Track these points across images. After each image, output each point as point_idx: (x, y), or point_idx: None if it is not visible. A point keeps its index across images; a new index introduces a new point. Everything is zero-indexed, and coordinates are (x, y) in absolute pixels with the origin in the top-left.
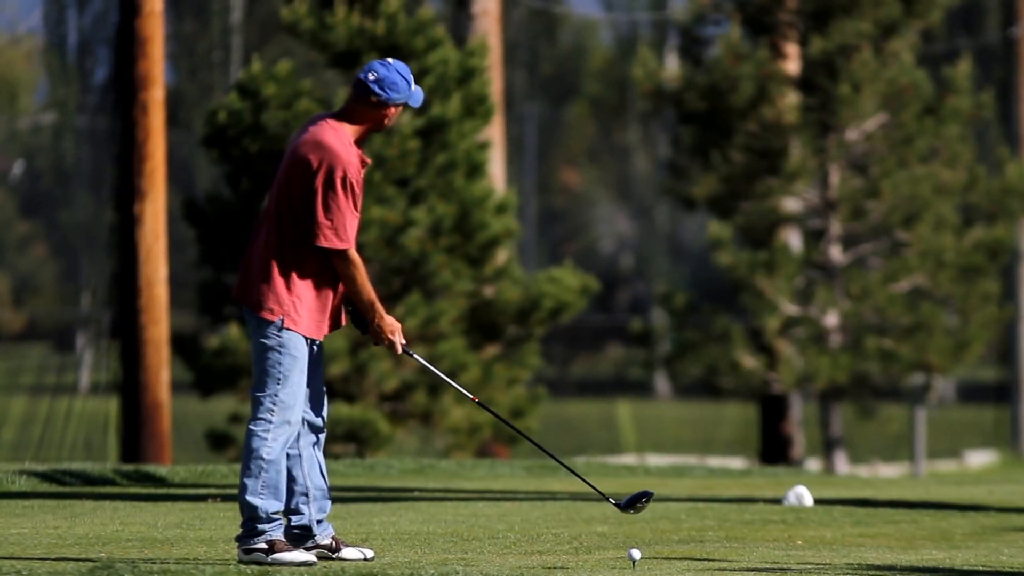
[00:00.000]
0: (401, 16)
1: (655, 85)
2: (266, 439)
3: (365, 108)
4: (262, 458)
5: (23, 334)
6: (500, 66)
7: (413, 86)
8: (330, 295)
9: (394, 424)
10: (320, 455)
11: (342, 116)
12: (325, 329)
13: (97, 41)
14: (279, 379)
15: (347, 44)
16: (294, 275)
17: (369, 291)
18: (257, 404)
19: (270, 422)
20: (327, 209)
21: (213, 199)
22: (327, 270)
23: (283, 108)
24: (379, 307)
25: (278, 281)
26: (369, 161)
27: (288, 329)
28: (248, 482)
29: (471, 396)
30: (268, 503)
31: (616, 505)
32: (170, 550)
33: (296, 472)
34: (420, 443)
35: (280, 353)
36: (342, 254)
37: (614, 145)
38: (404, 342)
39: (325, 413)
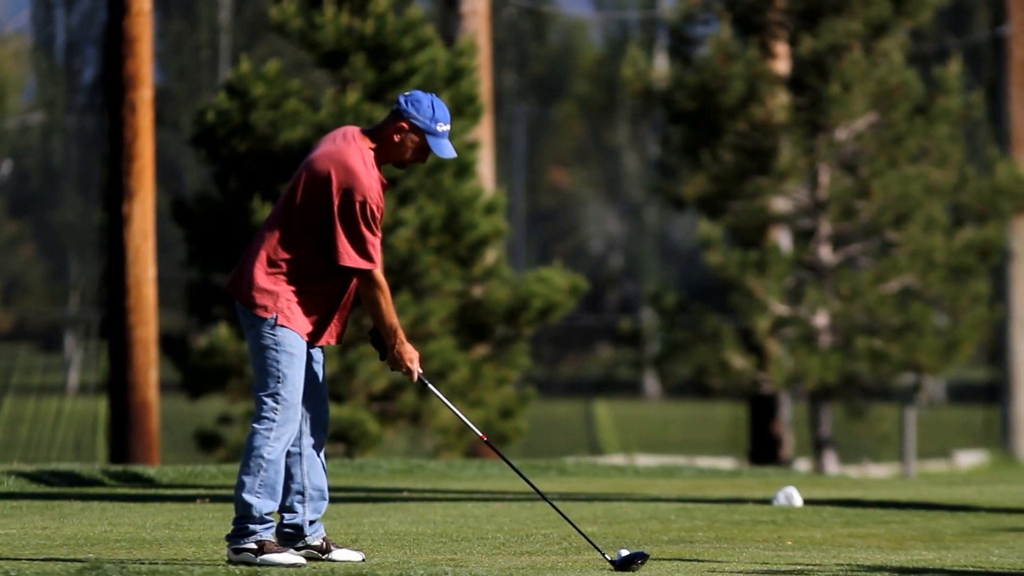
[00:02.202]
0: (390, 16)
1: (645, 85)
2: (268, 438)
3: (388, 123)
4: (263, 457)
5: (11, 334)
6: (489, 66)
7: (441, 127)
8: (327, 303)
9: (383, 424)
10: (322, 456)
11: (369, 132)
12: (325, 336)
13: (85, 41)
14: (279, 377)
15: (335, 44)
16: (290, 275)
17: (392, 316)
18: (260, 404)
19: (274, 421)
20: (347, 232)
21: (202, 199)
22: (328, 279)
23: (272, 108)
24: (400, 334)
25: (273, 279)
26: (388, 184)
27: (282, 326)
28: (246, 479)
29: (481, 435)
30: (264, 503)
31: (611, 562)
32: (159, 551)
33: (295, 470)
34: (409, 443)
35: (276, 351)
36: (366, 275)
37: (603, 145)
38: (421, 371)
39: (327, 415)
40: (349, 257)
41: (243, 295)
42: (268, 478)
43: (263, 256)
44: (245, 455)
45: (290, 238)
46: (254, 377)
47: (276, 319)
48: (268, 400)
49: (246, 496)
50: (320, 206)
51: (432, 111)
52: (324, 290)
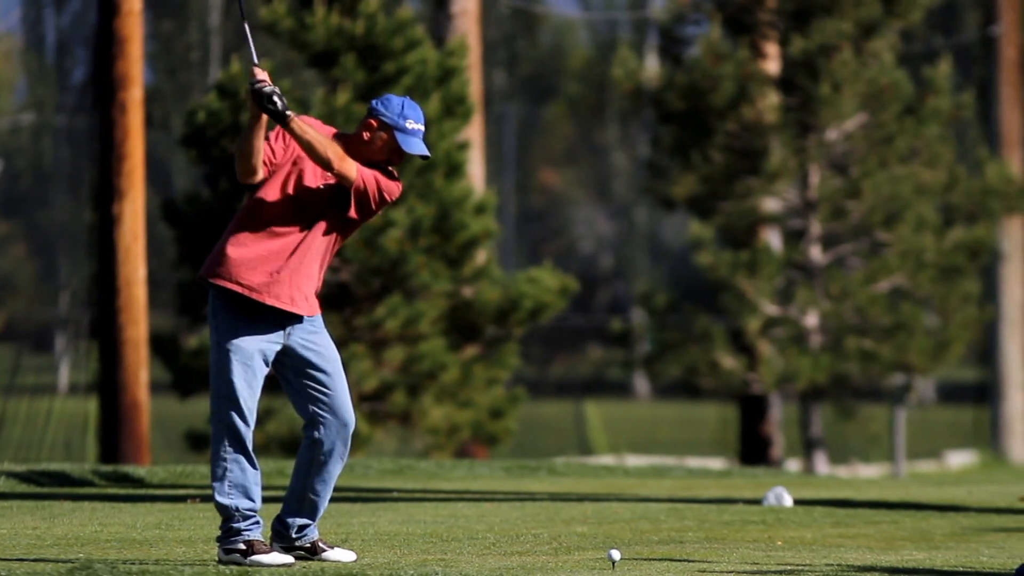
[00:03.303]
0: (380, 16)
1: (635, 85)
2: (222, 439)
3: (360, 123)
4: (223, 458)
5: (1, 334)
6: (479, 66)
7: (412, 125)
8: (278, 253)
9: (373, 425)
10: (336, 466)
11: (341, 133)
12: (285, 299)
13: (75, 41)
14: (217, 372)
15: (326, 44)
16: (238, 233)
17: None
18: (211, 404)
19: (220, 420)
20: None
21: (192, 199)
22: (278, 237)
23: None
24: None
25: (222, 240)
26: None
27: (213, 283)
28: (215, 484)
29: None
30: (239, 501)
31: None
32: (149, 551)
33: (301, 471)
34: (399, 444)
35: (218, 351)
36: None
37: (593, 145)
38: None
39: (347, 426)
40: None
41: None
42: (235, 477)
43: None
44: (210, 460)
45: (248, 208)
46: None
47: (207, 277)
48: (212, 401)
49: (220, 499)
50: None
51: (402, 109)
52: (276, 244)
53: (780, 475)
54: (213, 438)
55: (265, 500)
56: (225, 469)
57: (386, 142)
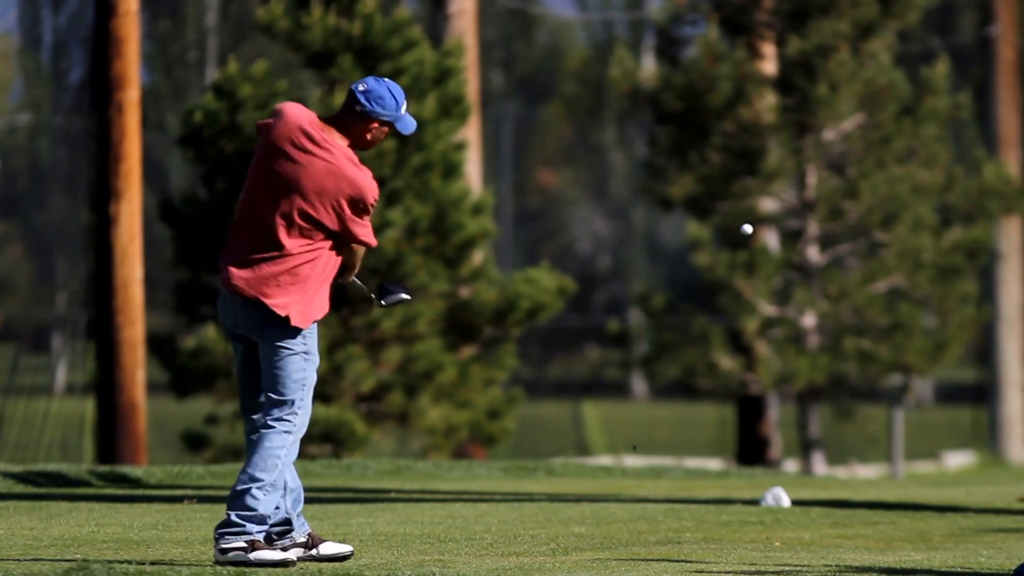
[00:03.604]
0: (377, 16)
1: (632, 85)
2: (287, 442)
3: (351, 118)
4: (279, 457)
5: None
6: (476, 66)
7: (403, 109)
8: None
9: (370, 425)
10: (277, 436)
11: (335, 123)
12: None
13: (72, 41)
14: (303, 384)
15: (323, 44)
16: (305, 273)
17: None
18: (279, 406)
19: (294, 424)
20: (361, 221)
21: (189, 199)
22: (331, 269)
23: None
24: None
25: (295, 282)
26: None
27: (308, 329)
28: (264, 476)
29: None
30: (270, 500)
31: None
32: (146, 551)
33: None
34: (397, 444)
35: (305, 360)
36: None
37: (591, 145)
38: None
39: None
40: (369, 237)
41: (265, 297)
42: (278, 481)
43: (277, 256)
44: (259, 454)
45: (297, 236)
46: (273, 378)
47: (303, 327)
48: (291, 404)
49: (256, 491)
50: (328, 212)
51: (394, 101)
52: (327, 277)
53: (778, 476)
54: (279, 435)
55: None
56: (276, 467)
57: (388, 133)
